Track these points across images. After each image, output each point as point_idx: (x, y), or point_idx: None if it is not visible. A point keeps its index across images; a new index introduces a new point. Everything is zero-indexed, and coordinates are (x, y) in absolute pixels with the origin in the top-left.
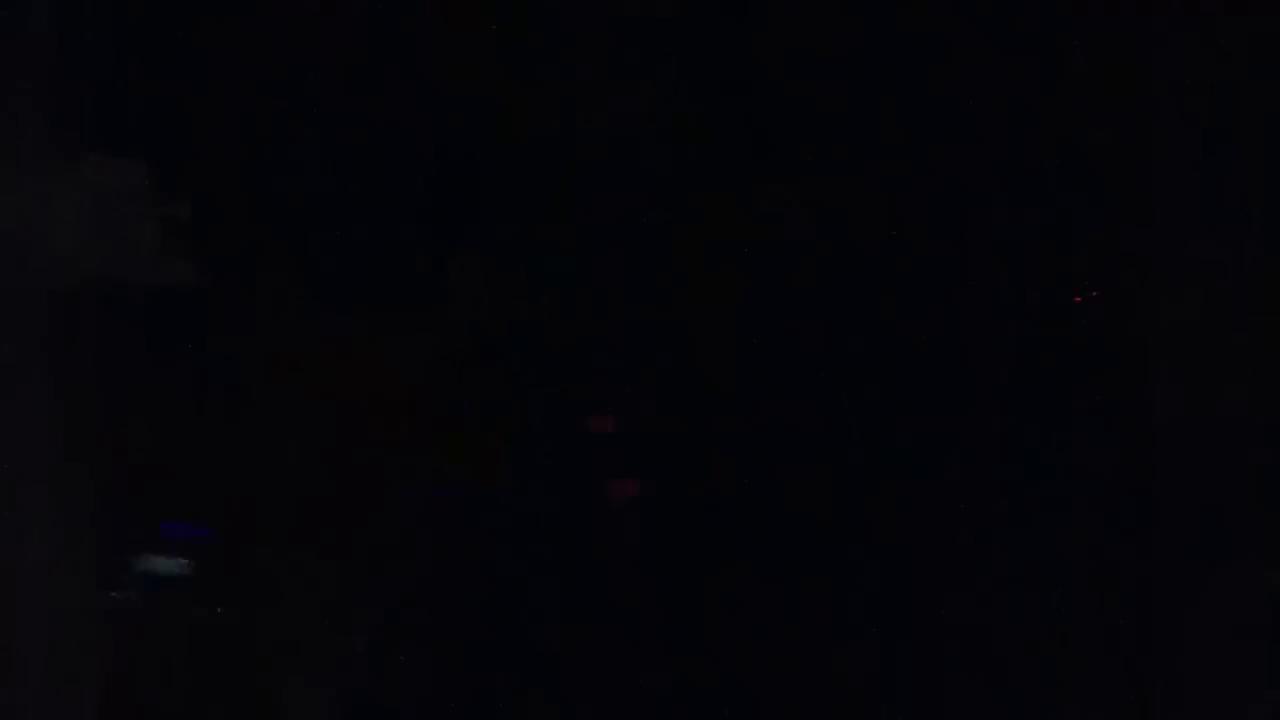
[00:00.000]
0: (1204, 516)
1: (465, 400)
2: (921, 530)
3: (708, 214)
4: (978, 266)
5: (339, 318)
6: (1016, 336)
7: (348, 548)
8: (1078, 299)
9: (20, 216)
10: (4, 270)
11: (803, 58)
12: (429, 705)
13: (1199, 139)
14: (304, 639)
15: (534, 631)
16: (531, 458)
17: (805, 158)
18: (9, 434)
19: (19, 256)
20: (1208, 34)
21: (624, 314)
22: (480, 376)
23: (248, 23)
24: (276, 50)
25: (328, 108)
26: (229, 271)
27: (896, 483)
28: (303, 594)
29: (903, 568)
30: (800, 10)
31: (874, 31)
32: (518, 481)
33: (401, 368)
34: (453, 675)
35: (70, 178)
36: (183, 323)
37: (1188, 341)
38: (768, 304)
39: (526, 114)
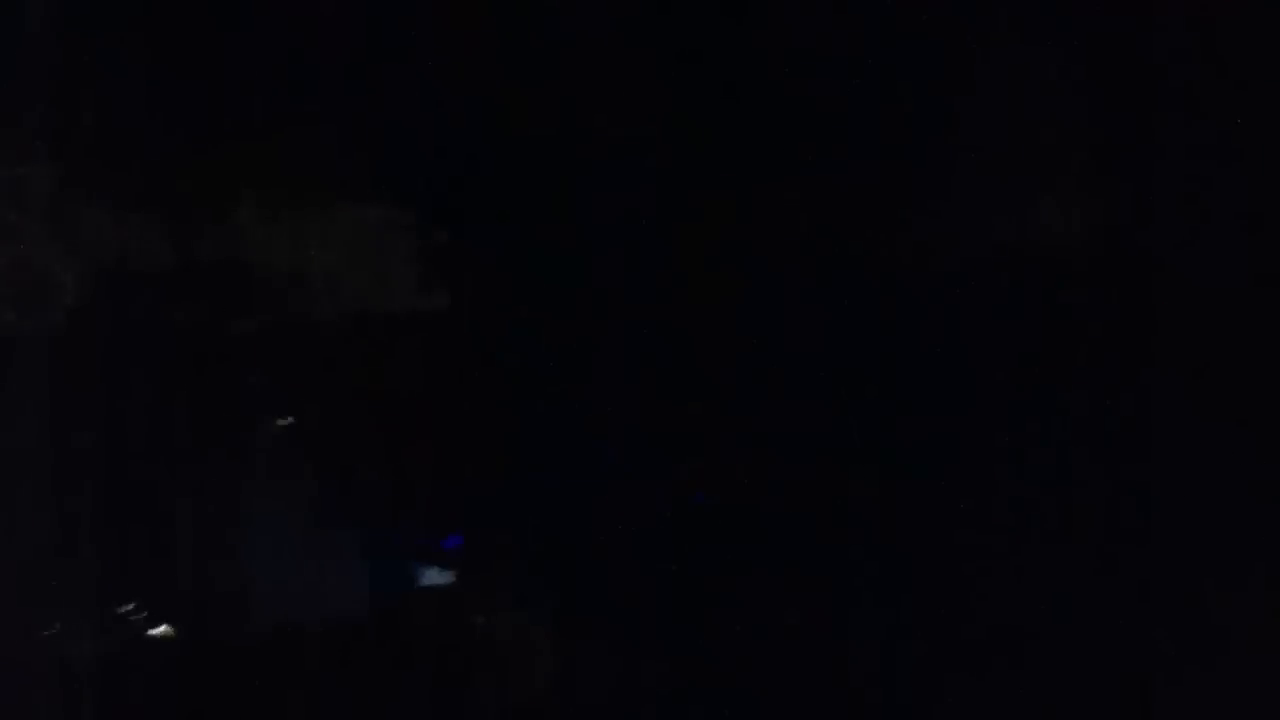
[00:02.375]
0: (1204, 516)
1: (465, 400)
2: (921, 530)
3: (708, 214)
4: (978, 266)
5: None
6: (1016, 336)
7: None
8: None
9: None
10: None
11: (803, 58)
12: (427, 705)
13: (1199, 138)
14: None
15: (533, 631)
16: (531, 458)
17: (805, 158)
18: (282, 452)
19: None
20: (1208, 34)
21: (624, 314)
22: (480, 376)
23: (247, 22)
24: (275, 50)
25: (327, 107)
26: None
27: (896, 483)
28: None
29: (903, 568)
30: (800, 10)
31: (874, 31)
32: (518, 482)
33: (401, 368)
34: (452, 675)
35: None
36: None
37: (1188, 341)
38: (768, 304)
39: (526, 114)
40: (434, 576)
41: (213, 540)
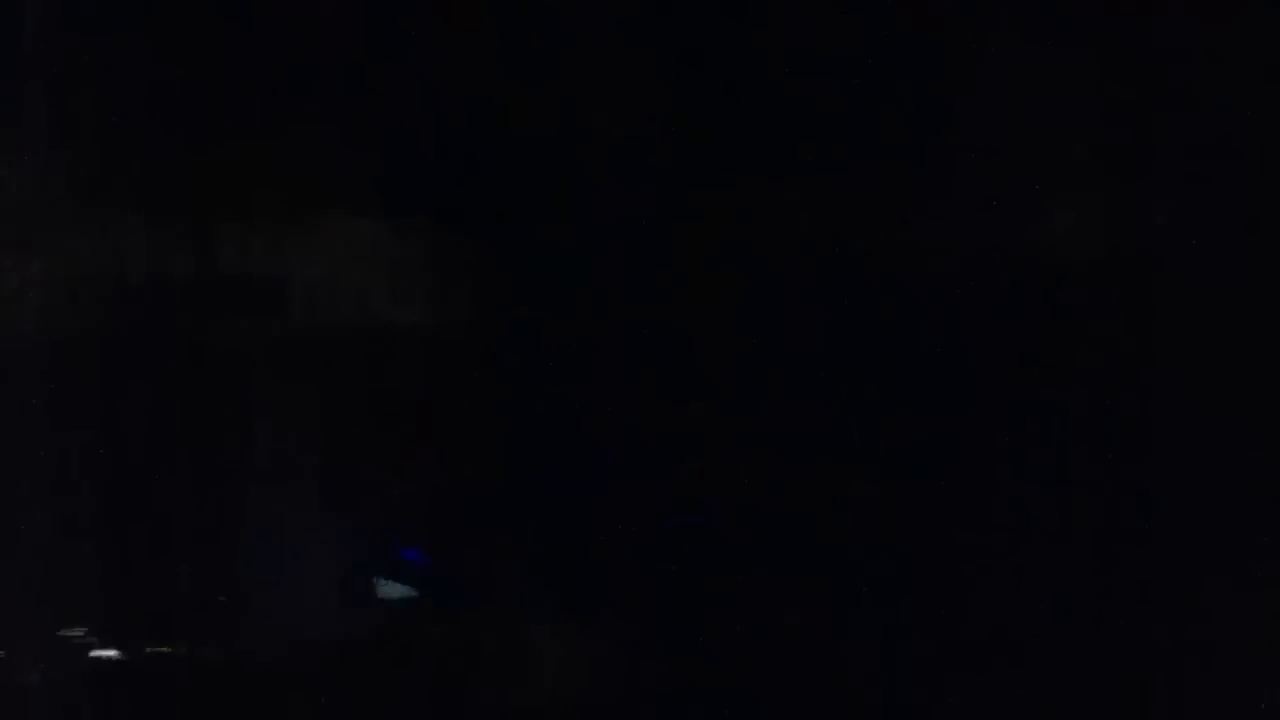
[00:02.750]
0: (1204, 516)
1: (465, 400)
2: (921, 530)
3: (708, 214)
4: (978, 266)
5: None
6: (1016, 336)
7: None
8: None
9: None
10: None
11: (803, 58)
12: (428, 706)
13: (1199, 138)
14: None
15: (533, 631)
16: (531, 458)
17: (805, 158)
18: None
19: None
20: (1208, 34)
21: (624, 314)
22: (480, 376)
23: (247, 23)
24: (275, 50)
25: (327, 108)
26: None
27: (896, 483)
28: None
29: (903, 568)
30: (800, 10)
31: (874, 31)
32: (518, 481)
33: (400, 368)
34: (452, 675)
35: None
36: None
37: (1188, 341)
38: (768, 304)
39: (526, 114)
40: (397, 590)
41: (212, 547)
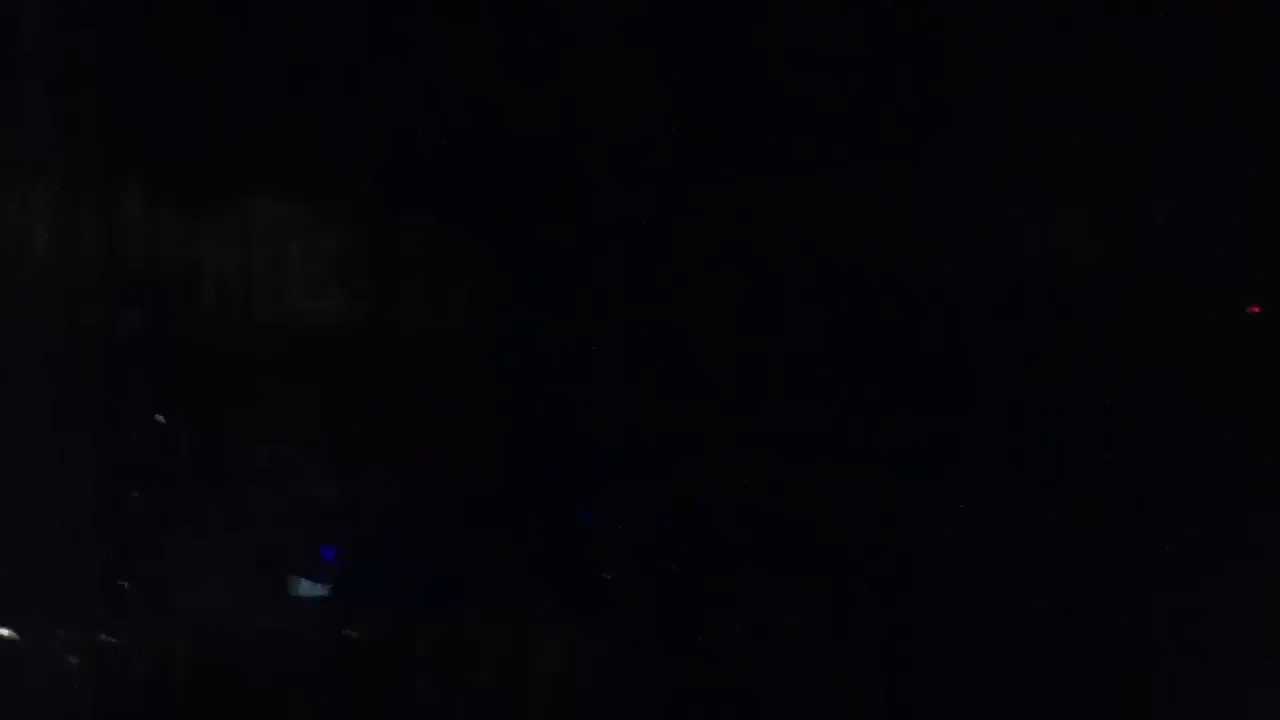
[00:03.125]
0: (1204, 516)
1: (465, 400)
2: (921, 530)
3: (708, 214)
4: (978, 266)
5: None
6: (1016, 336)
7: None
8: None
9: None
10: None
11: (803, 58)
12: (428, 706)
13: (1199, 138)
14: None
15: (533, 631)
16: (531, 458)
17: (805, 158)
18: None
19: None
20: (1208, 34)
21: (624, 314)
22: (480, 376)
23: (247, 22)
24: (275, 50)
25: (327, 107)
26: None
27: (896, 483)
28: None
29: (903, 568)
30: (800, 10)
31: (874, 31)
32: (518, 482)
33: (401, 368)
34: (452, 675)
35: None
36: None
37: (1188, 341)
38: (768, 304)
39: (526, 114)
40: (312, 588)
41: (211, 544)
